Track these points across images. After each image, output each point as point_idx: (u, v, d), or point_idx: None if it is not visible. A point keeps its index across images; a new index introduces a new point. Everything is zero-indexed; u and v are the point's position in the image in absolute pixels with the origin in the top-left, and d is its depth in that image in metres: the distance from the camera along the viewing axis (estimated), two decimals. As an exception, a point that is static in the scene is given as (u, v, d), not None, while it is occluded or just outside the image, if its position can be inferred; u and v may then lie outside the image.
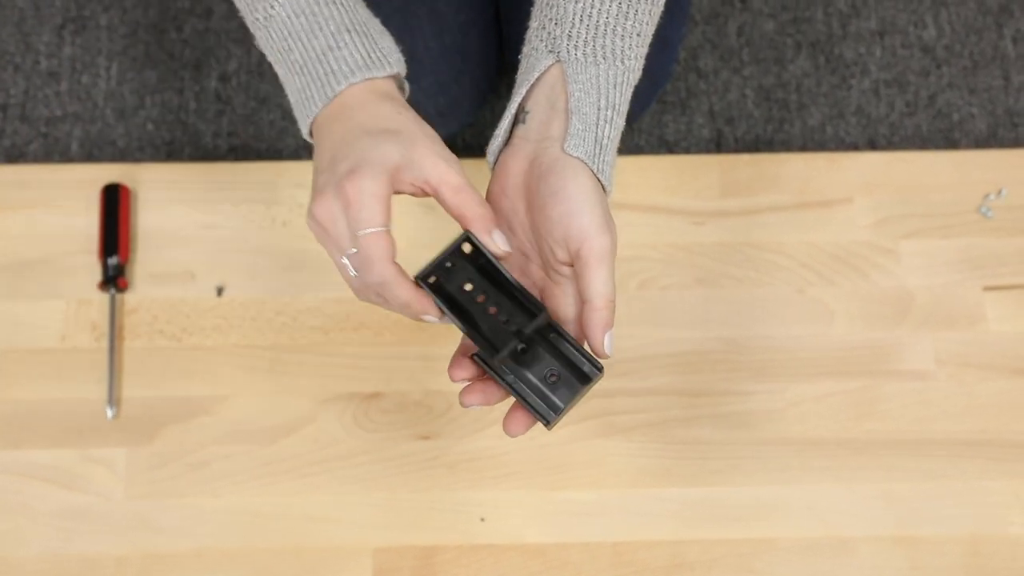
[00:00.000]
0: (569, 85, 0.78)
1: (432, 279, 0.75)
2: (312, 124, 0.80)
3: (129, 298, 1.19)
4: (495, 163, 0.81)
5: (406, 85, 0.84)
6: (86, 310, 1.18)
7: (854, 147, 1.37)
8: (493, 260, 0.75)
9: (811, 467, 1.13)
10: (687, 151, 1.36)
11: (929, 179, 1.26)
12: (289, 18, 0.80)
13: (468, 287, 0.77)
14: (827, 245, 1.22)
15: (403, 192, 0.75)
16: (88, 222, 1.21)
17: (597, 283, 0.74)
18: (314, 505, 1.11)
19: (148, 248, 1.21)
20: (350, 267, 0.75)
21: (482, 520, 1.11)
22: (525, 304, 0.76)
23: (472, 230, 0.75)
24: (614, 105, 0.78)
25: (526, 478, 1.12)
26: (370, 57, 0.80)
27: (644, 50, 0.81)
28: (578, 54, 0.78)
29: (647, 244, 1.22)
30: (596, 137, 0.77)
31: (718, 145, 1.37)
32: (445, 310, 0.75)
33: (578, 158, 0.76)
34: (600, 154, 0.77)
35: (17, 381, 1.15)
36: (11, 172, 1.25)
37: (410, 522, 1.11)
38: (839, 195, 1.24)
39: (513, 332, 0.76)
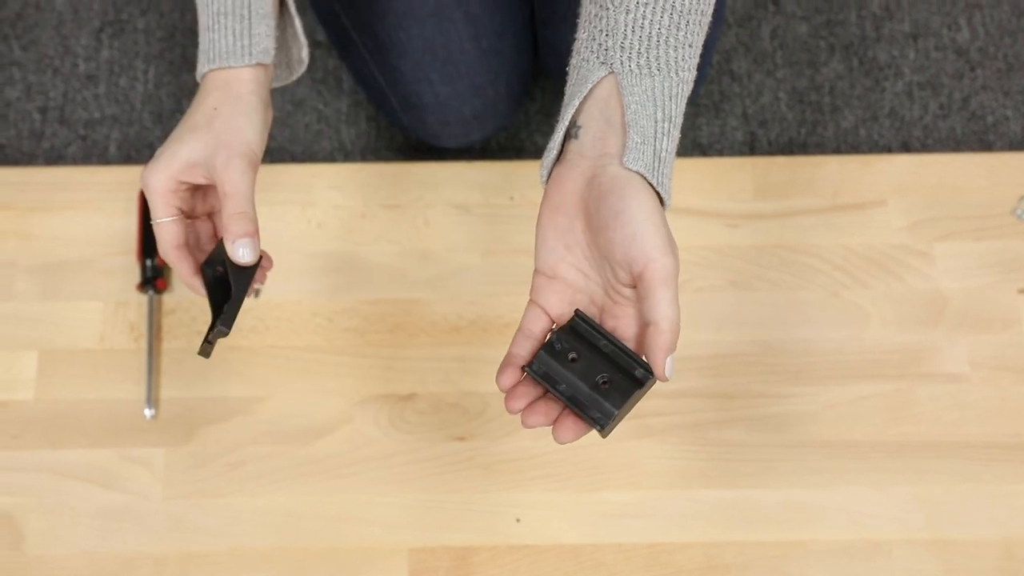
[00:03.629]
0: (624, 97, 0.76)
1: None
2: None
3: (167, 299, 1.20)
4: (548, 177, 0.80)
5: (273, 72, 0.91)
6: (124, 311, 1.19)
7: (888, 150, 1.37)
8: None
9: (845, 470, 1.13)
10: (721, 154, 1.36)
11: (963, 181, 1.26)
12: None
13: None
14: (861, 248, 1.22)
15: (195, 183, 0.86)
16: (127, 224, 1.22)
17: (663, 306, 0.73)
18: (350, 505, 1.12)
19: (185, 250, 1.21)
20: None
21: (517, 521, 1.11)
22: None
23: (225, 235, 0.85)
24: (670, 117, 0.77)
25: (561, 479, 1.13)
26: (235, 44, 0.86)
27: (696, 61, 0.79)
28: (632, 66, 0.77)
29: (681, 247, 1.19)
30: (655, 150, 0.76)
31: (752, 148, 1.37)
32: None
33: (637, 172, 0.75)
34: (659, 167, 0.76)
35: (56, 381, 1.16)
36: (50, 174, 1.26)
37: (445, 523, 1.11)
38: (873, 198, 1.24)
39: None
